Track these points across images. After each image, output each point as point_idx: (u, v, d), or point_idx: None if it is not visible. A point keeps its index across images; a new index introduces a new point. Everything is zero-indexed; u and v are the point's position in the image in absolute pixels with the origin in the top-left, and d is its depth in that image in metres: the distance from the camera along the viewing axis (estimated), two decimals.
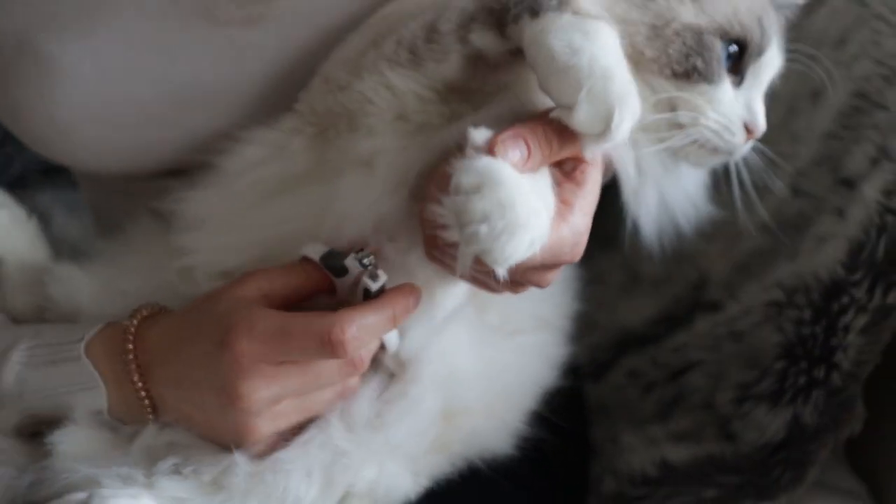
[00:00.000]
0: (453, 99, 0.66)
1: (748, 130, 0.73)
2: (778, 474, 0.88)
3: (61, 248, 0.87)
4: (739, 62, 0.72)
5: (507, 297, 0.68)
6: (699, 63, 0.69)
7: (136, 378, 0.69)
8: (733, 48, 0.71)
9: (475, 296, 0.71)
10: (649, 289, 1.06)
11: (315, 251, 0.66)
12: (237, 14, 0.74)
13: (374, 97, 0.67)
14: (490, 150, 0.57)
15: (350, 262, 0.65)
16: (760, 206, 0.80)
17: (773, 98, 0.77)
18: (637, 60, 0.69)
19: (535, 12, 0.61)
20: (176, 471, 0.69)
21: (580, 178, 0.63)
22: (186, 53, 0.76)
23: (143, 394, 0.69)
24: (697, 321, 1.00)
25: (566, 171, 0.63)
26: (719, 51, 0.70)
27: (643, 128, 0.69)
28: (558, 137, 0.60)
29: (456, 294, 0.70)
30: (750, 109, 0.73)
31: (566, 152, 0.61)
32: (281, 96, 0.76)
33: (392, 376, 0.72)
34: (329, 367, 0.66)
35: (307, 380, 0.66)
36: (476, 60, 0.65)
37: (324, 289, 0.67)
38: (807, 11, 0.93)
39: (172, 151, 0.79)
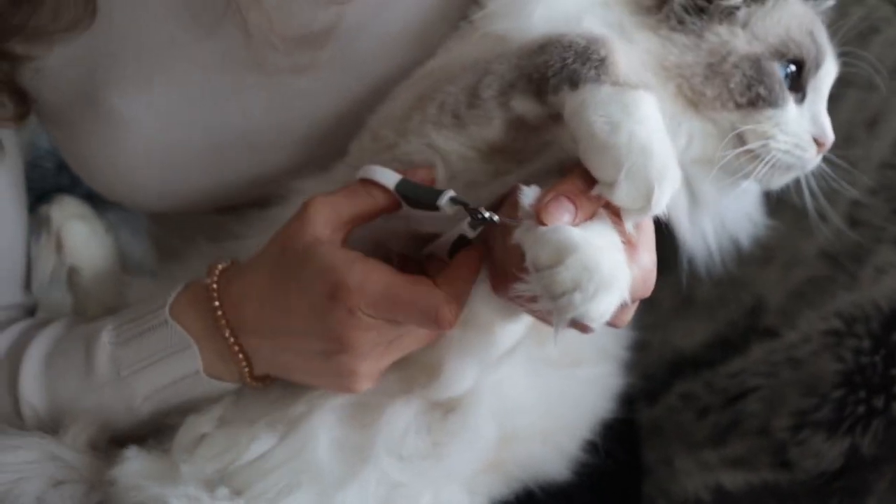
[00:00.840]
0: (497, 158, 0.66)
1: (818, 143, 0.73)
2: None
3: (125, 265, 0.90)
4: (799, 79, 0.72)
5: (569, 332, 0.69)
6: (762, 90, 0.69)
7: (227, 334, 0.69)
8: (791, 68, 0.71)
9: (534, 329, 0.71)
10: (703, 313, 1.05)
11: (386, 178, 0.65)
12: (284, 63, 0.74)
13: (419, 158, 0.68)
14: (538, 218, 0.58)
15: (447, 205, 0.63)
16: (833, 212, 0.80)
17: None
18: (697, 102, 0.69)
19: (574, 83, 0.61)
20: (232, 498, 0.70)
21: None
22: (238, 102, 0.78)
23: (236, 348, 0.69)
24: (754, 347, 0.99)
25: (616, 209, 0.61)
26: (779, 73, 0.70)
27: (723, 168, 0.70)
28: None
29: (516, 331, 0.70)
30: (817, 122, 0.73)
31: None
32: (329, 142, 0.77)
33: (446, 408, 0.72)
34: None
35: (409, 327, 0.66)
36: (518, 124, 0.65)
37: (390, 211, 0.66)
38: (861, 39, 0.92)
39: (226, 193, 0.82)
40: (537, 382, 0.75)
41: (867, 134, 0.94)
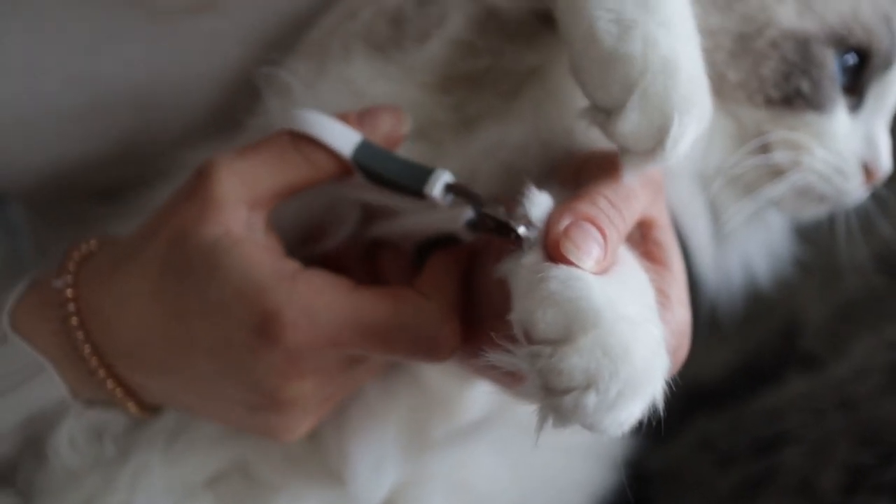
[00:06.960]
0: (457, 88, 0.52)
1: (867, 172, 0.60)
2: None
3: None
4: (859, 79, 0.60)
5: None
6: (805, 85, 0.57)
7: (93, 362, 0.51)
8: (851, 59, 0.58)
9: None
10: (722, 334, 0.89)
11: (337, 136, 0.49)
12: (181, 1, 0.60)
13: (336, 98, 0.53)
14: (554, 254, 0.41)
15: (441, 194, 0.47)
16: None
17: None
18: (718, 85, 0.55)
19: None
20: None
21: (663, 257, 0.48)
22: (117, 49, 0.62)
23: (109, 383, 0.52)
24: (791, 380, 0.85)
25: (635, 242, 0.48)
26: (833, 66, 0.57)
27: (729, 177, 0.58)
28: (625, 199, 0.45)
29: (480, 404, 0.55)
30: (871, 143, 0.60)
31: (636, 215, 0.46)
32: (238, 99, 0.62)
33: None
34: None
35: (368, 363, 0.52)
36: (486, 21, 0.51)
37: (334, 179, 0.50)
38: None
39: (99, 169, 0.65)
40: (509, 457, 0.61)
41: None
